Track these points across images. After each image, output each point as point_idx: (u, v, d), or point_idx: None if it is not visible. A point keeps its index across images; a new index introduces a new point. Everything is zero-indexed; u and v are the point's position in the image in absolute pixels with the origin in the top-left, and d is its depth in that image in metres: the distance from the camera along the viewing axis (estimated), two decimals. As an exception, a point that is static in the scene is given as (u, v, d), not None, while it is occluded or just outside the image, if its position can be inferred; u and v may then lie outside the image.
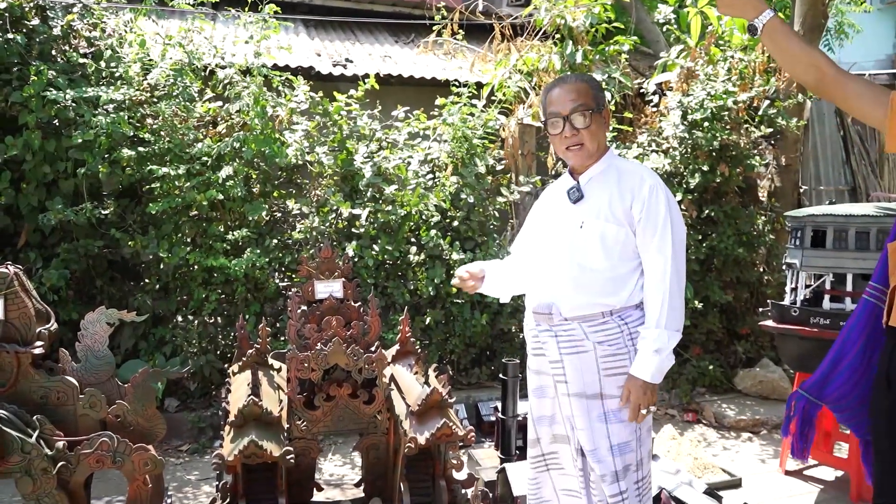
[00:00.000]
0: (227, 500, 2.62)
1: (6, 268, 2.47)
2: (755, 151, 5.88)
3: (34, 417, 2.38)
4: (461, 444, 2.72)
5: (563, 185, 2.38)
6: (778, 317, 3.86)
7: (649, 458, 2.29)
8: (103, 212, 4.58)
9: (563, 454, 2.30)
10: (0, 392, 2.40)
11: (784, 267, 4.01)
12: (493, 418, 4.54)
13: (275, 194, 5.08)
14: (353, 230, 4.98)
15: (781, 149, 6.27)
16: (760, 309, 4.50)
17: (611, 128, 5.68)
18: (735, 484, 3.92)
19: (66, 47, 4.82)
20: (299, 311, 2.89)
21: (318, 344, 2.73)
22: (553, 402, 2.31)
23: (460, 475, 2.86)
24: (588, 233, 2.24)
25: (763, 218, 5.95)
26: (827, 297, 3.75)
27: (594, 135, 2.25)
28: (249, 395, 2.60)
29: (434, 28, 6.41)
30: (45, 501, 2.30)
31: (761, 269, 5.95)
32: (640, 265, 2.24)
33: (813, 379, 2.93)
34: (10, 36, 4.49)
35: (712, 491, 3.47)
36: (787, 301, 3.89)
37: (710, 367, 5.48)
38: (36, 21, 4.70)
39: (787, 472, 4.11)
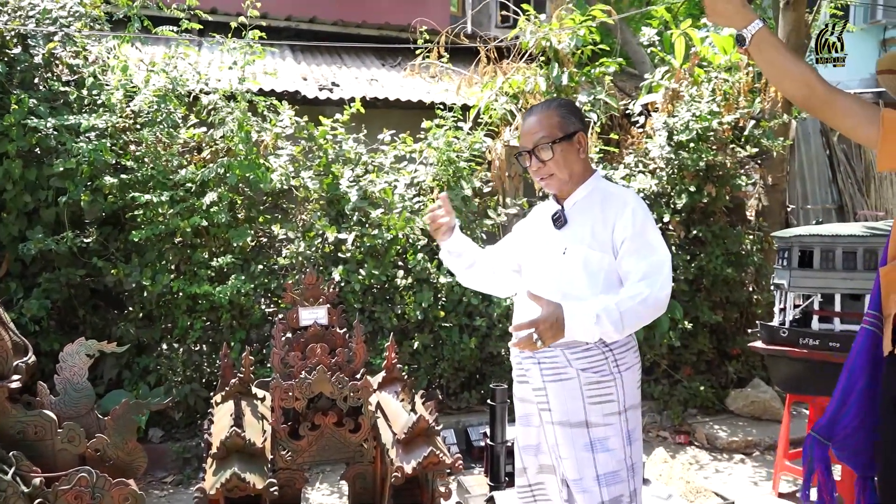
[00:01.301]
0: (210, 534, 2.55)
1: (-19, 300, 2.43)
2: (742, 171, 5.91)
3: (10, 454, 2.32)
4: (449, 472, 2.68)
5: (548, 210, 2.37)
6: (767, 338, 3.84)
7: (641, 488, 2.23)
8: (85, 240, 4.53)
9: (550, 485, 2.26)
10: (-25, 428, 2.34)
11: (772, 287, 4.00)
12: (482, 444, 4.48)
13: (260, 220, 5.05)
14: (339, 254, 4.94)
15: (768, 168, 6.30)
16: (750, 330, 4.48)
17: (597, 148, 5.70)
18: (728, 508, 3.88)
19: (49, 75, 4.80)
20: (283, 338, 2.85)
21: (303, 372, 2.69)
22: (539, 431, 2.26)
23: (449, 503, 2.80)
24: (571, 259, 2.22)
25: (751, 237, 5.97)
26: (816, 317, 3.74)
27: (561, 164, 2.24)
28: (232, 427, 2.55)
29: (422, 50, 6.44)
30: (20, 541, 2.23)
31: (751, 289, 5.95)
32: None
33: (824, 418, 2.84)
34: (-10, 65, 4.47)
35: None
36: (775, 322, 3.88)
37: (702, 387, 5.45)
38: (17, 50, 4.68)
39: (781, 495, 4.07)
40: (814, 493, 2.78)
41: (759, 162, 6.30)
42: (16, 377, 2.42)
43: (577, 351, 2.16)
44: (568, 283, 2.21)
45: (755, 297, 5.93)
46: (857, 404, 2.41)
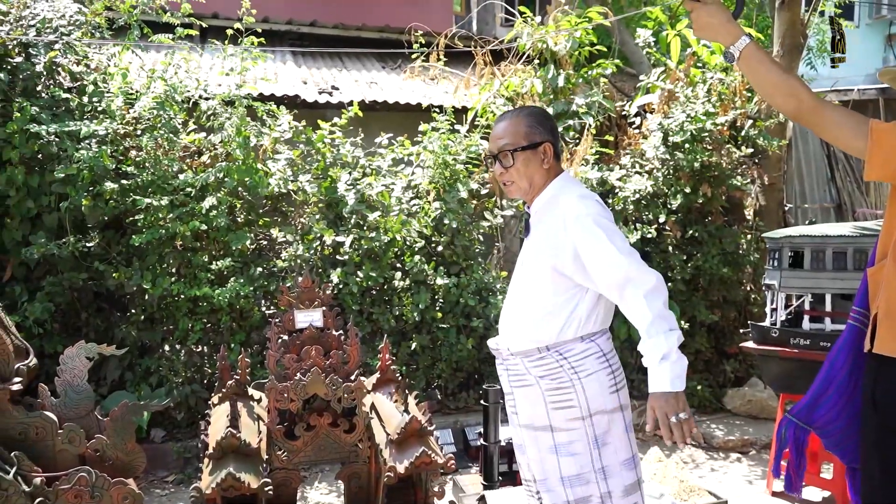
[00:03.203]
0: (207, 533, 2.61)
1: (-17, 305, 2.49)
2: (738, 171, 5.95)
3: (12, 454, 2.38)
4: (442, 471, 2.73)
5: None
6: (758, 338, 3.89)
7: (627, 491, 2.22)
8: (87, 244, 4.60)
9: (533, 484, 2.31)
10: (-22, 429, 2.40)
11: (764, 288, 4.04)
12: (479, 443, 4.53)
13: (259, 223, 5.12)
14: (337, 257, 5.00)
15: (765, 168, 6.33)
16: (743, 330, 4.52)
17: (593, 150, 5.74)
18: (721, 506, 3.92)
19: (50, 83, 4.87)
20: (279, 340, 2.91)
21: (298, 374, 2.75)
22: (517, 432, 2.33)
23: (442, 503, 2.85)
24: (525, 269, 2.29)
25: (748, 237, 6.00)
26: (807, 317, 3.78)
27: (521, 172, 2.26)
28: (228, 427, 2.61)
29: (418, 54, 6.49)
30: (22, 539, 2.29)
31: (748, 288, 5.98)
32: (576, 299, 2.20)
33: (802, 403, 2.92)
34: (-7, 73, 4.55)
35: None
36: (767, 322, 3.92)
37: (699, 387, 5.49)
38: (19, 59, 4.75)
39: (774, 494, 4.11)
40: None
41: (756, 161, 6.33)
42: (17, 379, 2.48)
43: (533, 359, 2.21)
44: (520, 292, 2.29)
45: (753, 296, 5.97)
46: (837, 394, 2.46)
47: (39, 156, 4.57)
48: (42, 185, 4.56)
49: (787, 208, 6.96)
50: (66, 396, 2.62)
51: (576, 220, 2.15)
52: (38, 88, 4.79)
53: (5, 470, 2.33)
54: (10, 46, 4.75)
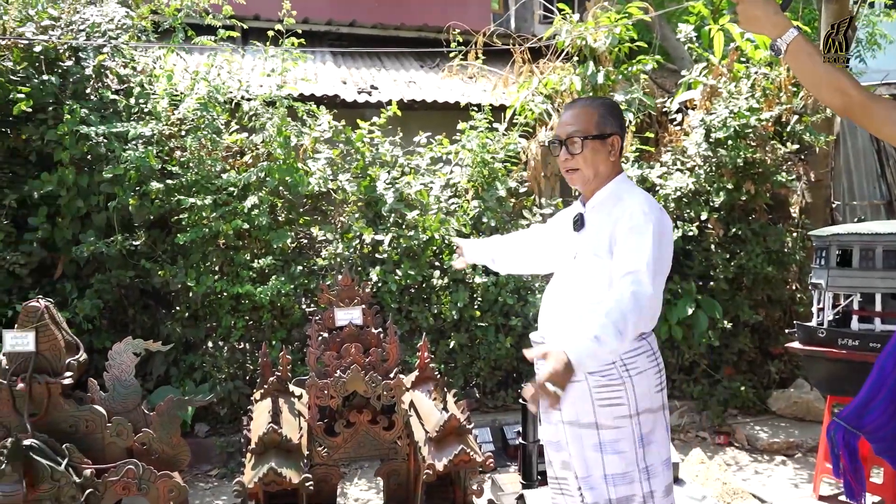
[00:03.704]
0: (250, 526, 2.66)
1: (37, 302, 2.57)
2: (783, 168, 5.81)
3: (63, 446, 2.46)
4: (480, 469, 2.73)
5: (574, 211, 2.40)
6: (805, 338, 3.80)
7: (667, 492, 2.22)
8: (134, 243, 4.72)
9: (571, 481, 2.29)
10: (32, 421, 2.48)
11: (810, 287, 3.95)
12: (517, 442, 4.52)
13: (300, 222, 5.19)
14: (376, 255, 5.04)
15: (811, 164, 6.18)
16: (788, 330, 4.42)
17: (633, 147, 5.67)
18: (766, 510, 3.85)
19: (99, 85, 5.00)
20: (319, 338, 2.94)
21: (338, 371, 2.78)
22: (556, 429, 2.30)
23: (480, 501, 2.86)
24: (579, 265, 2.25)
25: (794, 235, 5.86)
26: (855, 317, 3.68)
27: (589, 161, 2.24)
28: (270, 423, 2.65)
29: (456, 53, 6.49)
30: (73, 529, 2.36)
31: (793, 288, 5.85)
32: None
33: (851, 407, 2.84)
34: (45, 77, 4.69)
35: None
36: (813, 322, 3.82)
37: (742, 388, 5.39)
38: (70, 62, 4.89)
39: (821, 498, 4.00)
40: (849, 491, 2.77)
41: (801, 157, 6.18)
42: (68, 374, 2.56)
43: None
44: (574, 288, 2.25)
45: (798, 296, 5.83)
46: (888, 399, 2.38)
47: (88, 156, 4.70)
48: (91, 185, 4.69)
49: (834, 205, 6.77)
50: (115, 391, 2.70)
51: (631, 213, 2.14)
52: (88, 91, 4.93)
53: (57, 461, 2.41)
54: (61, 50, 4.89)
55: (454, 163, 5.51)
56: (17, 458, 2.28)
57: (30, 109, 4.54)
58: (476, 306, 5.04)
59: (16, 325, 2.54)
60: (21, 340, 2.51)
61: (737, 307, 5.45)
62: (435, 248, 5.09)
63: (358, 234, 5.03)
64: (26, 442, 2.36)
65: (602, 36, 5.99)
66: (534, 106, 5.87)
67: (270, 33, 5.38)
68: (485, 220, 5.18)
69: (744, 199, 5.45)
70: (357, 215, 5.17)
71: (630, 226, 2.12)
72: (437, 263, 5.13)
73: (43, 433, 2.47)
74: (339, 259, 4.97)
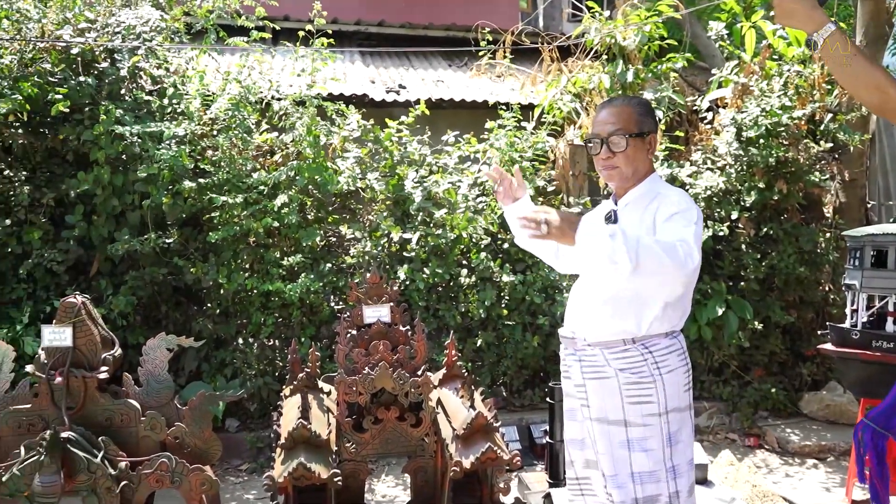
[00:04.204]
0: (280, 520, 2.70)
1: (75, 298, 2.64)
2: (816, 167, 5.72)
3: (99, 438, 2.51)
4: (507, 468, 2.73)
5: (605, 209, 2.40)
6: (838, 340, 3.73)
7: (690, 492, 2.22)
8: (167, 241, 4.80)
9: (595, 480, 2.28)
10: (69, 414, 2.54)
11: (844, 288, 3.88)
12: (544, 441, 4.52)
13: (329, 220, 5.24)
14: (404, 254, 5.07)
15: (845, 163, 6.07)
16: (820, 331, 4.35)
17: (663, 146, 5.62)
18: (797, 513, 3.80)
19: (133, 86, 5.11)
20: (348, 335, 2.97)
21: (366, 368, 2.80)
22: (582, 426, 2.30)
23: (507, 500, 2.86)
24: None
25: (827, 235, 5.77)
26: (890, 319, 3.61)
27: (629, 159, 2.25)
28: (299, 419, 2.68)
29: (484, 52, 6.49)
30: (109, 519, 2.41)
31: (826, 289, 5.75)
32: (666, 292, 2.17)
33: (881, 408, 2.79)
34: (82, 79, 4.79)
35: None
36: (847, 324, 3.76)
37: (773, 389, 5.32)
38: (105, 64, 5.00)
39: (854, 503, 3.94)
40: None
41: (836, 157, 6.08)
42: (104, 369, 2.62)
43: (616, 351, 2.18)
44: (608, 283, 2.22)
45: (832, 297, 5.74)
46: None
47: (123, 156, 4.80)
48: (126, 184, 4.79)
49: (869, 205, 6.64)
50: (148, 385, 2.75)
51: (677, 203, 2.16)
52: (122, 92, 5.03)
53: (93, 454, 2.46)
54: (98, 52, 5.00)
55: (482, 161, 5.52)
56: (56, 449, 2.34)
57: (67, 110, 4.65)
58: (503, 305, 5.04)
59: (54, 321, 2.60)
60: (59, 335, 2.57)
61: (768, 308, 5.38)
62: (462, 246, 5.10)
63: (386, 232, 5.06)
64: (64, 434, 2.41)
65: (632, 34, 5.95)
66: (562, 105, 5.85)
67: (301, 34, 5.44)
68: (512, 219, 5.17)
69: (776, 198, 5.38)
70: (385, 214, 5.20)
71: (675, 210, 2.14)
72: (464, 262, 5.14)
73: (80, 426, 2.53)
74: (367, 257, 5.01)
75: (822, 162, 5.93)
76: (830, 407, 5.21)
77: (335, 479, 2.54)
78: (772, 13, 2.13)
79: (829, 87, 5.76)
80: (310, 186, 5.04)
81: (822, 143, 5.65)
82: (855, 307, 3.76)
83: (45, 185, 4.83)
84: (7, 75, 4.62)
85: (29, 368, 2.55)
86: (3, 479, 2.33)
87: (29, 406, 2.52)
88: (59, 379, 2.50)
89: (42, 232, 4.71)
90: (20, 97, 4.48)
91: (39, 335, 2.60)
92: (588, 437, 2.27)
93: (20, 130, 4.84)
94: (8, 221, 4.73)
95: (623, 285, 2.14)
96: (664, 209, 2.17)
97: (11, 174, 4.79)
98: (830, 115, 5.74)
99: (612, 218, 2.30)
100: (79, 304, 2.60)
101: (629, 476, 2.16)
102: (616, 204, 2.34)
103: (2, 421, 2.50)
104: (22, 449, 2.37)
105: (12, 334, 4.43)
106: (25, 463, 2.34)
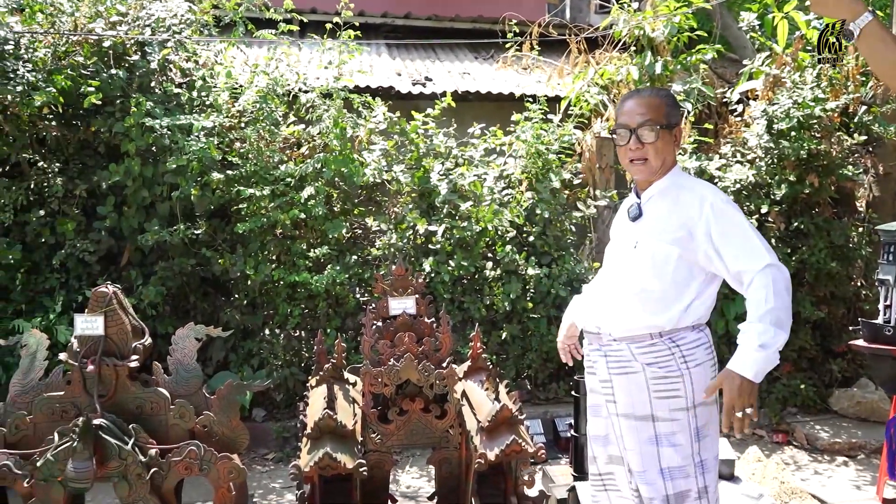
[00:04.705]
0: (305, 509, 2.72)
1: (106, 287, 2.68)
2: (849, 160, 5.61)
3: (130, 426, 2.56)
4: (532, 460, 2.73)
5: (627, 204, 2.38)
6: (870, 336, 3.66)
7: (716, 487, 2.20)
8: (196, 232, 4.86)
9: (619, 475, 2.27)
10: (101, 402, 2.59)
11: (877, 283, 3.81)
12: (569, 434, 4.50)
13: (355, 212, 5.26)
14: (429, 246, 5.07)
15: (880, 156, 5.94)
16: (851, 327, 4.28)
17: (691, 138, 5.56)
18: (825, 511, 3.75)
19: (163, 79, 5.17)
20: (373, 326, 2.98)
21: (391, 359, 2.82)
22: (606, 422, 2.28)
23: (532, 492, 2.86)
24: (641, 253, 2.22)
25: (860, 229, 5.65)
26: (925, 314, 3.54)
27: (659, 151, 2.22)
28: (325, 409, 2.71)
29: (511, 44, 6.46)
30: (139, 505, 2.46)
31: (858, 284, 5.65)
32: (695, 286, 2.16)
33: None
34: (113, 71, 4.86)
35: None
36: (880, 319, 3.69)
37: (802, 386, 5.24)
38: (136, 57, 5.07)
39: (885, 501, 3.87)
40: None
41: (870, 150, 5.95)
42: (134, 357, 2.66)
43: (643, 346, 2.17)
44: (634, 277, 2.21)
45: (864, 292, 5.64)
46: None
47: (153, 148, 4.86)
48: (155, 175, 4.85)
49: (904, 199, 6.50)
50: (177, 374, 2.79)
51: (713, 206, 2.13)
52: (153, 84, 5.10)
53: (124, 441, 2.51)
54: (129, 45, 5.07)
55: (508, 154, 5.50)
56: (88, 436, 2.38)
57: (99, 102, 4.72)
58: (528, 298, 5.03)
59: (86, 310, 2.65)
60: (91, 324, 2.61)
61: (798, 303, 5.29)
62: (488, 239, 5.10)
63: (412, 224, 5.07)
64: (96, 421, 2.46)
65: (660, 25, 5.88)
66: (589, 97, 5.80)
67: (328, 26, 5.46)
68: (538, 211, 5.16)
69: (807, 192, 5.29)
70: (411, 206, 5.21)
71: (722, 226, 2.11)
72: (489, 255, 5.13)
73: (111, 413, 2.58)
74: (392, 249, 5.03)
75: (856, 155, 5.82)
76: (861, 404, 5.12)
77: (360, 470, 2.56)
78: (806, 2, 2.09)
79: (864, 78, 5.64)
80: (336, 178, 5.06)
81: (855, 135, 5.54)
82: (888, 303, 3.69)
83: (78, 177, 4.92)
84: (41, 68, 4.70)
85: (62, 356, 2.60)
86: (38, 464, 2.38)
87: (62, 393, 2.58)
88: (90, 367, 2.55)
89: (75, 223, 4.80)
90: (54, 90, 4.56)
91: (72, 324, 2.65)
92: (613, 433, 2.26)
93: (54, 123, 4.93)
94: (42, 212, 4.82)
95: (666, 286, 2.17)
96: (702, 219, 2.13)
97: (45, 166, 4.88)
98: (865, 107, 5.63)
99: (636, 211, 2.28)
100: (110, 293, 2.65)
101: (658, 472, 2.15)
102: (639, 197, 2.31)
103: (36, 407, 2.56)
104: (56, 435, 2.43)
105: (46, 323, 4.52)
106: (59, 449, 2.39)
